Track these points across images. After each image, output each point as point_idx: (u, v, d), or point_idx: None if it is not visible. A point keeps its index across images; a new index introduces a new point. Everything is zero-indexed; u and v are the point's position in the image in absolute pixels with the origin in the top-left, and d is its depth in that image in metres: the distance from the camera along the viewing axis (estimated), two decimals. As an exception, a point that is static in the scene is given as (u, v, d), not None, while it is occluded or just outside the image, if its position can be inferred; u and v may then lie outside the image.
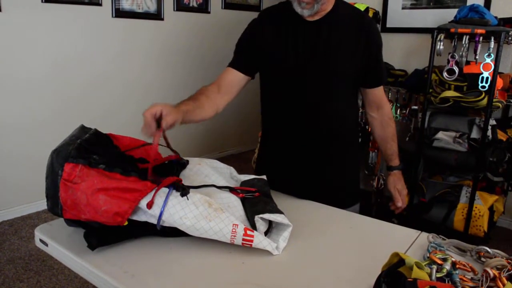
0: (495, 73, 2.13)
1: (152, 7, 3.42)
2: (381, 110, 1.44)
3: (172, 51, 3.65)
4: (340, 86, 1.33)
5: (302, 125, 1.34)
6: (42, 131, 2.94)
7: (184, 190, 0.94)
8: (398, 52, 2.99)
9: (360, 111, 2.55)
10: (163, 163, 1.11)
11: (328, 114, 1.34)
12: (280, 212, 1.03)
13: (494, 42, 2.14)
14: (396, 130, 1.48)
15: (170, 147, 1.14)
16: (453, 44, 2.25)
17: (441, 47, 2.23)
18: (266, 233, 1.01)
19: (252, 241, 0.95)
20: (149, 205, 0.92)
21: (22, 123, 2.85)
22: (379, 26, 2.92)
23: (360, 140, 2.52)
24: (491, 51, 2.12)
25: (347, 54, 1.28)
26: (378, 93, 1.41)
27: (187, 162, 1.16)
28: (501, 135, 2.33)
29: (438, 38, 2.23)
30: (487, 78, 2.14)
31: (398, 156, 1.49)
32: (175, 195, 0.94)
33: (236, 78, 1.36)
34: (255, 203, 1.07)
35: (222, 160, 1.26)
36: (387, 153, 1.48)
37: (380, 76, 1.39)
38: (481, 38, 2.16)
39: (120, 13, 3.21)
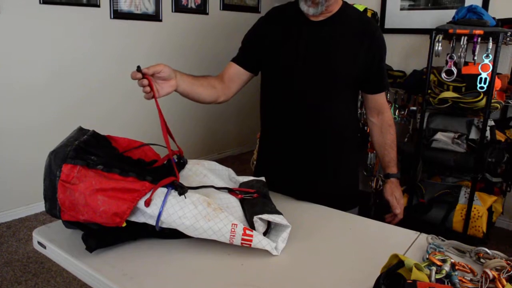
0: (494, 74, 2.13)
1: (150, 8, 3.42)
2: (381, 116, 1.43)
3: (170, 52, 3.65)
4: (338, 87, 1.32)
5: (301, 125, 1.34)
6: (41, 134, 2.93)
7: (182, 189, 0.94)
8: (396, 53, 2.99)
9: (359, 112, 2.57)
10: (162, 164, 1.11)
11: (327, 115, 1.33)
12: (279, 213, 1.02)
13: (493, 43, 2.14)
14: (395, 131, 1.45)
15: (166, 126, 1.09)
16: (451, 45, 2.25)
17: (440, 48, 2.24)
18: (264, 234, 1.00)
19: (251, 241, 0.94)
20: (147, 202, 0.91)
21: (20, 126, 2.84)
22: (377, 27, 2.93)
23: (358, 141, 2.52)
24: (489, 52, 2.12)
25: (347, 56, 1.28)
26: (379, 99, 1.41)
27: (186, 161, 1.16)
28: (500, 136, 2.33)
29: (437, 39, 2.23)
30: (486, 79, 2.15)
31: (396, 164, 1.45)
32: (174, 195, 0.94)
33: (237, 72, 1.38)
34: (253, 204, 1.06)
35: (221, 161, 1.26)
36: (385, 160, 1.45)
37: (382, 82, 1.38)
38: (479, 39, 2.16)
39: (118, 15, 3.21)
